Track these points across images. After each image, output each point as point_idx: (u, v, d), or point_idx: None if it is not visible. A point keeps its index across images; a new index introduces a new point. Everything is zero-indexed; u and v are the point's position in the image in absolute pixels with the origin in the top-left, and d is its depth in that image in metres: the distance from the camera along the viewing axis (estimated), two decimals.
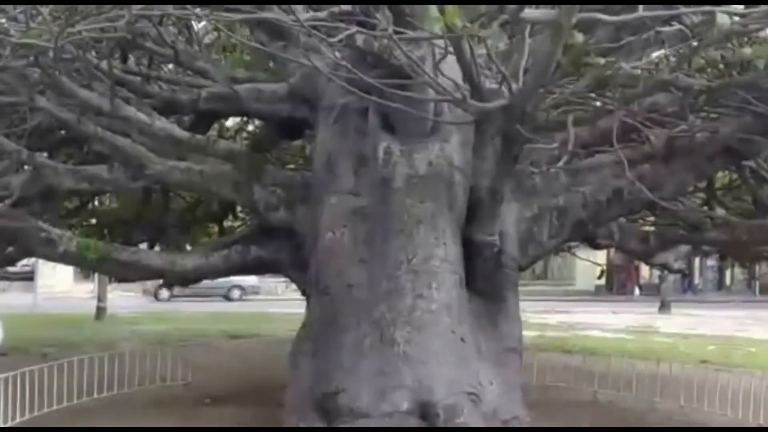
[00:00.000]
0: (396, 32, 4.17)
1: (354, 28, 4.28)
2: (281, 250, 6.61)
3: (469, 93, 3.82)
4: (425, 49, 4.81)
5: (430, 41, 4.69)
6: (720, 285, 37.51)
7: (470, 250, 5.41)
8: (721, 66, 5.40)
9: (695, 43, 4.05)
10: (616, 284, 35.97)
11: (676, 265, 10.95)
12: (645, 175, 5.82)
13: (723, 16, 2.88)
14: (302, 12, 5.16)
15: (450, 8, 3.50)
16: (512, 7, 2.71)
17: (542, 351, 11.32)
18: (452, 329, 5.05)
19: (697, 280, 36.27)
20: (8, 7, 5.48)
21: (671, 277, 26.94)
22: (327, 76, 6.07)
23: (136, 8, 4.70)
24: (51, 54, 4.51)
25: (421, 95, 4.75)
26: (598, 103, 5.04)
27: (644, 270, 35.11)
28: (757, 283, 34.59)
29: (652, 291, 32.66)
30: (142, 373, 8.79)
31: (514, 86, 3.57)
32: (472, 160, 5.73)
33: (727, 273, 37.35)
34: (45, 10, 4.84)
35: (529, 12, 2.87)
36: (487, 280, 5.50)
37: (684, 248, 8.90)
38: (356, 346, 5.02)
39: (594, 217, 6.14)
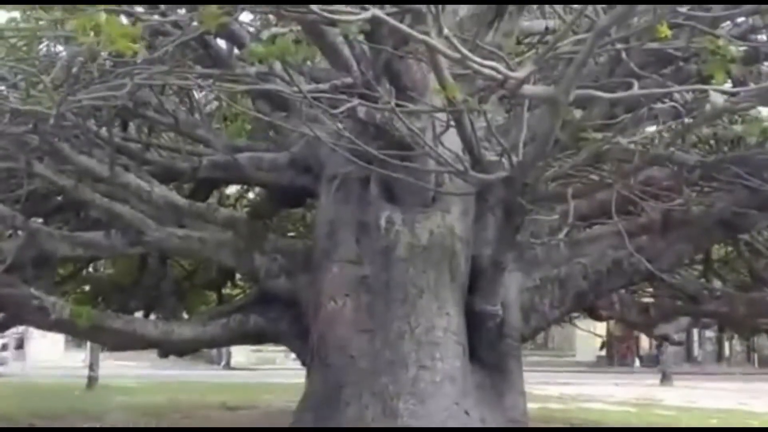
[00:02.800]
0: (397, 105, 4.22)
1: (356, 101, 4.30)
2: (281, 319, 6.53)
3: (470, 164, 3.83)
4: (425, 121, 4.87)
5: (431, 113, 4.75)
6: (719, 356, 37.33)
7: (473, 321, 5.36)
8: (713, 142, 5.49)
9: (688, 120, 4.08)
10: (617, 355, 35.76)
11: (677, 337, 10.87)
12: (643, 246, 5.82)
13: (716, 95, 2.90)
14: (304, 84, 5.23)
15: (451, 83, 3.53)
16: (512, 83, 2.71)
17: (545, 423, 11.07)
18: (456, 401, 4.95)
19: (696, 351, 36.02)
20: (8, 74, 5.52)
21: (671, 349, 26.72)
22: (329, 146, 6.15)
23: (138, 77, 4.74)
24: (51, 121, 4.52)
25: (423, 166, 4.77)
26: (595, 177, 5.07)
27: (644, 341, 34.96)
28: (756, 355, 34.41)
29: (652, 362, 32.53)
30: None
31: (514, 159, 3.58)
32: (473, 230, 5.73)
33: (726, 344, 37.19)
34: (46, 78, 4.87)
35: (528, 88, 2.89)
36: (490, 351, 5.42)
37: (684, 320, 8.86)
38: (358, 419, 4.91)
39: (594, 287, 6.10)
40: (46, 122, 5.13)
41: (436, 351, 4.99)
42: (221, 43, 7.08)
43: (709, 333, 32.79)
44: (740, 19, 5.23)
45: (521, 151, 3.61)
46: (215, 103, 10.29)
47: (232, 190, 11.76)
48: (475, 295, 5.42)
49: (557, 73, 3.29)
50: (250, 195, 11.40)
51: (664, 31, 2.82)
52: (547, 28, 7.72)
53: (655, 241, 5.93)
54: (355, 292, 5.39)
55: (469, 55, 2.55)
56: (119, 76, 4.71)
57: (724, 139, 5.20)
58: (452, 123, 4.33)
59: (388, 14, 3.02)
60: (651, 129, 5.69)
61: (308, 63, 6.28)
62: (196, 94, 9.54)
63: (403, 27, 2.87)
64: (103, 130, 6.22)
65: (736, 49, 3.30)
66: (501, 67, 2.66)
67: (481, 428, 5.01)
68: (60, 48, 5.79)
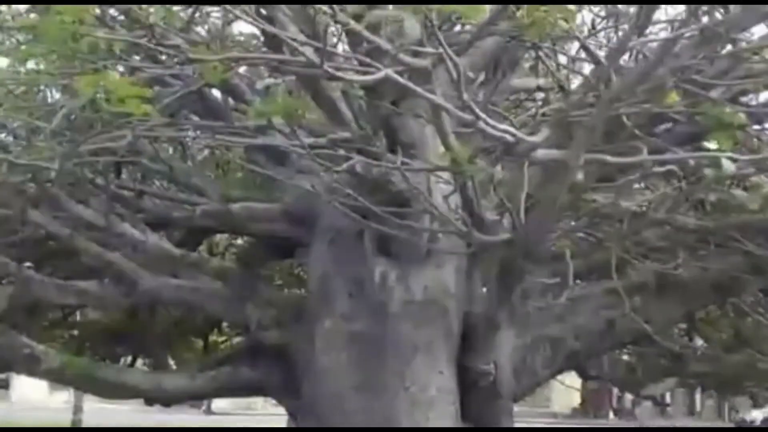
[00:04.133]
0: (396, 164, 4.24)
1: (357, 156, 4.33)
2: (272, 372, 6.42)
3: (470, 224, 3.84)
4: (421, 177, 4.89)
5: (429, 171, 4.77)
6: (691, 411, 37.44)
7: (465, 379, 5.30)
8: (711, 206, 5.54)
9: (691, 184, 4.13)
10: (592, 407, 35.86)
11: (660, 398, 10.86)
12: (636, 307, 5.81)
13: (727, 162, 2.94)
14: (304, 138, 5.27)
15: (455, 144, 3.57)
16: (524, 147, 2.74)
17: None
18: None
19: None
20: (7, 122, 5.54)
21: (645, 403, 26.72)
22: (324, 199, 6.17)
23: (139, 128, 4.76)
24: (53, 174, 4.53)
25: (419, 223, 4.78)
26: (590, 238, 5.09)
27: (617, 393, 35.07)
28: (727, 410, 34.47)
29: (626, 415, 32.77)
30: None
31: (517, 221, 3.59)
32: (465, 287, 5.72)
33: (698, 399, 37.29)
34: (46, 126, 4.89)
35: (541, 152, 2.92)
36: (482, 411, 5.36)
37: (671, 380, 8.84)
38: None
39: (587, 348, 6.08)
40: (44, 172, 5.14)
41: (429, 411, 4.93)
42: (216, 93, 7.15)
43: (679, 388, 32.86)
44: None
45: (522, 212, 3.62)
46: (206, 151, 10.35)
47: (219, 238, 11.72)
48: (467, 354, 5.38)
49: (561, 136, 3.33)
50: (239, 241, 11.35)
51: (673, 98, 2.87)
52: (538, 87, 7.85)
53: (647, 303, 5.93)
54: (349, 348, 5.34)
55: (483, 116, 2.58)
56: (120, 127, 4.74)
57: (721, 203, 5.25)
58: (451, 181, 4.39)
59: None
60: (646, 192, 5.76)
61: (305, 116, 6.33)
62: (189, 143, 9.59)
63: (416, 88, 2.90)
64: (98, 179, 6.21)
65: (741, 117, 3.36)
66: (518, 132, 2.68)
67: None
68: (59, 96, 5.81)
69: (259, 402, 30.23)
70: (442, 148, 5.58)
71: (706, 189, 4.65)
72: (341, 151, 5.17)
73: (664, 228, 5.15)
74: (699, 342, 8.61)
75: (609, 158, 2.93)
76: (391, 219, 4.59)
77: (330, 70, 2.86)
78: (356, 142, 5.22)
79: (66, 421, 19.76)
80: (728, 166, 3.02)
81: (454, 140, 3.76)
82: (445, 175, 4.53)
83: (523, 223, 3.64)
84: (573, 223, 4.17)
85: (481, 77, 6.16)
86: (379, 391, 5.04)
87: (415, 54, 3.52)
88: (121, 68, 4.98)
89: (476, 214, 3.86)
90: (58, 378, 6.74)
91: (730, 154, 3.33)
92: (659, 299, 5.89)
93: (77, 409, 20.06)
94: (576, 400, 35.97)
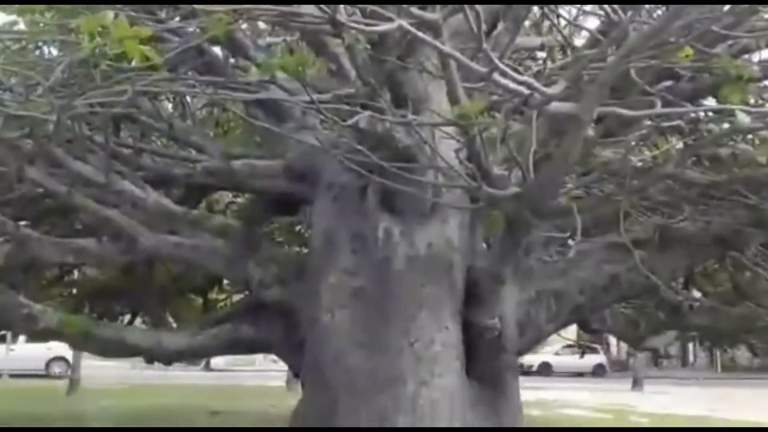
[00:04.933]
0: (403, 116, 4.18)
1: (362, 111, 4.26)
2: (273, 329, 6.43)
3: (479, 178, 3.79)
4: (427, 132, 4.82)
5: (433, 126, 4.71)
6: (683, 362, 38.01)
7: (470, 334, 5.30)
8: (715, 161, 5.50)
9: (701, 139, 4.08)
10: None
11: (663, 350, 11.00)
12: (640, 262, 5.81)
13: (742, 114, 2.89)
14: (308, 94, 5.19)
15: (464, 98, 3.51)
16: (537, 100, 2.68)
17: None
18: (455, 419, 4.88)
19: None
20: (4, 78, 5.42)
21: (641, 355, 27.07)
22: (326, 154, 6.10)
23: (139, 83, 4.66)
24: (51, 128, 4.44)
25: (427, 179, 4.73)
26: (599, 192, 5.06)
27: (612, 347, 35.55)
28: (719, 361, 34.99)
29: (621, 367, 33.26)
30: None
31: (526, 175, 3.55)
32: (469, 242, 5.69)
33: (690, 350, 37.82)
34: (45, 82, 4.78)
35: (554, 105, 2.86)
36: (487, 365, 5.37)
37: (671, 333, 8.93)
38: None
39: (591, 302, 6.08)
40: (41, 127, 5.05)
41: (435, 366, 4.93)
42: (217, 50, 7.02)
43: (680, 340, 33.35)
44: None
45: (531, 166, 3.57)
46: (208, 110, 10.24)
47: (220, 196, 11.66)
48: (472, 309, 5.36)
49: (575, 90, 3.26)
50: (240, 200, 11.30)
51: (688, 51, 2.81)
52: (542, 45, 7.74)
53: (651, 257, 5.93)
54: (353, 304, 5.31)
55: (502, 66, 2.51)
56: (120, 82, 4.64)
57: (728, 158, 5.22)
58: (456, 137, 4.33)
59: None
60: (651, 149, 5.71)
61: (309, 71, 6.23)
62: (190, 100, 9.48)
63: (429, 39, 2.82)
64: (97, 136, 6.12)
65: (753, 70, 3.30)
66: (536, 83, 2.62)
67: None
68: (58, 52, 5.69)
69: (258, 358, 30.50)
70: (447, 104, 5.54)
71: (713, 143, 4.61)
72: (345, 107, 5.09)
73: (668, 183, 5.11)
74: (697, 295, 8.65)
75: (623, 111, 2.87)
76: (396, 174, 4.53)
77: (342, 19, 2.78)
78: (360, 98, 5.13)
79: (63, 379, 19.89)
80: (743, 119, 2.97)
81: (462, 93, 3.70)
82: (450, 130, 4.47)
83: (532, 177, 3.59)
84: (581, 178, 4.10)
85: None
86: (383, 348, 5.03)
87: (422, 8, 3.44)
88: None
89: (484, 168, 3.81)
90: (56, 337, 6.75)
91: (744, 107, 3.28)
92: (662, 253, 5.87)
93: (74, 367, 20.15)
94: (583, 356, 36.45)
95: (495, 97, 3.99)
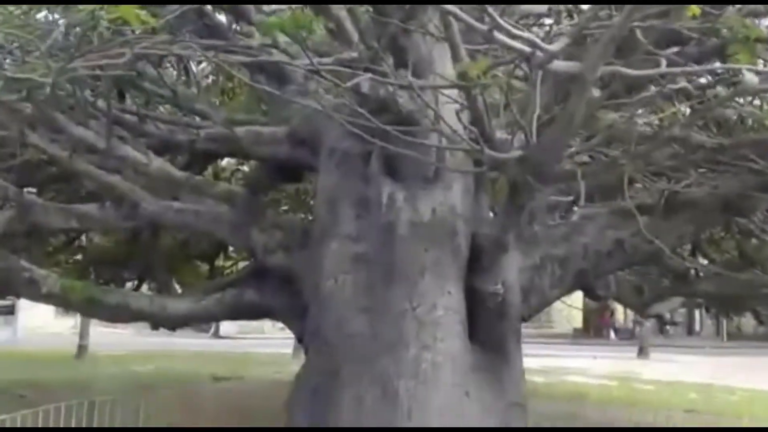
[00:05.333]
0: (408, 81, 4.11)
1: (364, 75, 4.20)
2: (277, 295, 6.44)
3: (481, 141, 3.74)
4: (429, 97, 4.76)
5: (436, 89, 4.65)
6: (690, 330, 38.02)
7: (472, 300, 5.28)
8: (722, 125, 5.42)
9: (699, 103, 4.01)
10: (592, 328, 36.39)
11: (669, 317, 11.00)
12: (645, 227, 5.76)
13: (750, 74, 2.82)
14: (309, 57, 5.12)
15: (466, 58, 3.45)
16: (540, 58, 2.63)
17: (532, 397, 11.15)
18: (457, 383, 4.89)
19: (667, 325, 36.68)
20: (4, 41, 5.37)
21: (647, 323, 27.14)
22: (329, 120, 6.04)
23: (138, 47, 4.61)
24: (47, 90, 4.39)
25: (431, 142, 4.68)
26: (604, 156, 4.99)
27: (619, 314, 35.57)
28: (725, 329, 34.99)
29: (627, 335, 33.27)
30: (123, 422, 8.45)
31: (530, 138, 3.49)
32: (473, 208, 5.66)
33: (696, 319, 37.82)
34: (42, 45, 4.73)
35: (557, 64, 2.80)
36: (490, 331, 5.35)
37: (676, 300, 8.92)
38: (357, 400, 4.83)
39: (595, 268, 6.05)
40: (40, 91, 5.00)
41: (437, 331, 4.92)
42: (220, 16, 6.95)
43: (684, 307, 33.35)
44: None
45: (534, 129, 3.52)
46: (212, 77, 10.19)
47: (226, 163, 11.64)
48: (475, 274, 5.35)
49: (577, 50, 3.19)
50: (245, 168, 11.28)
51: (695, 10, 2.74)
52: (549, 10, 7.61)
53: (657, 223, 5.88)
54: (355, 270, 5.30)
55: (503, 23, 2.45)
56: (118, 45, 4.58)
57: (736, 121, 5.14)
58: (459, 99, 4.27)
59: None
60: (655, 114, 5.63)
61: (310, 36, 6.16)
62: (194, 67, 9.42)
63: None
64: (100, 101, 6.08)
65: (762, 30, 3.23)
66: (537, 40, 2.56)
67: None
68: (57, 15, 5.63)
69: (267, 326, 30.66)
70: (451, 69, 5.47)
71: (720, 106, 4.53)
72: (347, 71, 5.02)
73: (674, 147, 5.04)
74: (704, 263, 8.63)
75: (628, 71, 2.81)
76: (399, 138, 4.47)
77: None
78: (363, 62, 5.06)
79: (72, 345, 20.06)
80: (751, 79, 2.91)
81: (465, 55, 3.63)
82: (454, 95, 4.42)
83: (536, 140, 3.54)
84: (585, 142, 4.04)
85: None
86: (386, 313, 5.02)
87: None
88: None
89: (487, 131, 3.76)
90: (60, 302, 6.77)
91: (752, 67, 3.21)
92: (668, 219, 5.83)
93: (83, 334, 20.32)
94: (577, 321, 36.55)
95: (499, 60, 3.92)
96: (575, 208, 4.60)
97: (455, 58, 3.54)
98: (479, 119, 3.72)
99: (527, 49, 2.65)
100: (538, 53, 2.63)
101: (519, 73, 4.82)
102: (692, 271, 7.99)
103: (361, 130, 4.63)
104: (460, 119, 4.01)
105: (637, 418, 8.90)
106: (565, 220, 5.61)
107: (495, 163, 3.97)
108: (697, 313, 34.87)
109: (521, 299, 5.59)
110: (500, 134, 3.98)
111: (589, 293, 7.79)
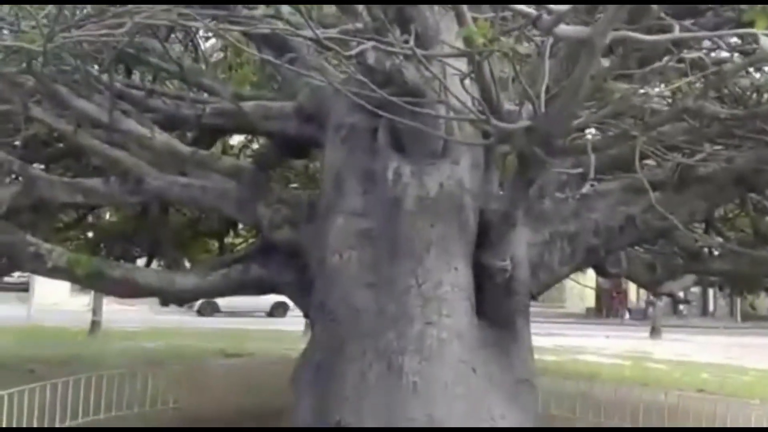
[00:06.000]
0: (412, 50, 3.99)
1: (369, 44, 4.08)
2: (284, 270, 6.39)
3: (489, 112, 3.62)
4: (437, 68, 4.65)
5: (442, 60, 4.53)
6: (704, 311, 37.77)
7: (480, 276, 5.20)
8: (737, 97, 5.26)
9: (723, 70, 3.86)
10: (605, 307, 36.22)
11: (683, 295, 10.89)
12: (657, 203, 5.64)
13: (765, 39, 2.68)
14: (314, 28, 5.02)
15: (472, 26, 3.32)
16: (546, 21, 2.51)
17: (542, 376, 11.11)
18: (463, 359, 4.81)
19: (681, 305, 36.43)
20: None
21: (660, 303, 26.99)
22: (335, 95, 5.94)
23: (138, 16, 4.51)
24: (40, 59, 4.30)
25: (438, 114, 4.57)
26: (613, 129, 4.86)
27: (632, 294, 35.37)
28: (739, 310, 34.76)
29: (639, 315, 33.13)
30: (130, 395, 8.47)
31: (538, 108, 3.38)
32: (481, 183, 5.56)
33: (711, 299, 37.57)
34: (40, 12, 4.65)
35: (564, 28, 2.68)
36: (497, 307, 5.27)
37: (689, 278, 8.79)
38: (362, 376, 4.78)
39: (606, 244, 5.93)
40: (39, 61, 4.92)
41: (443, 307, 4.84)
42: None
43: (694, 288, 33.12)
44: None
45: (543, 100, 3.40)
46: (220, 54, 10.09)
47: (236, 140, 11.59)
48: (483, 250, 5.25)
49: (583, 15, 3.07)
50: (254, 145, 11.22)
51: None
52: None
53: (669, 198, 5.76)
54: (361, 245, 5.22)
55: None
56: (117, 15, 4.50)
57: (746, 92, 4.98)
58: (465, 70, 4.15)
59: None
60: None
61: (314, 7, 6.04)
62: (201, 44, 9.33)
63: None
64: (105, 76, 6.01)
65: None
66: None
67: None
68: None
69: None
70: (460, 42, 5.34)
71: (735, 75, 4.39)
72: (353, 43, 4.91)
73: (687, 121, 4.90)
74: (718, 240, 8.49)
75: (640, 36, 2.68)
76: (406, 111, 4.36)
77: None
78: (369, 33, 4.95)
79: (86, 322, 20.18)
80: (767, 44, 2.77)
81: (470, 21, 3.51)
82: (462, 67, 4.30)
83: (544, 110, 3.43)
84: (595, 113, 3.92)
85: None
86: (391, 288, 4.95)
87: None
88: None
89: (494, 102, 3.64)
90: (65, 276, 6.74)
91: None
92: (680, 194, 5.70)
93: (96, 310, 20.43)
94: (590, 300, 36.39)
95: (507, 26, 3.79)
96: (586, 184, 4.47)
97: (461, 24, 3.42)
98: (486, 89, 3.60)
99: (534, 12, 2.54)
100: (546, 16, 2.52)
101: (531, 47, 4.70)
102: (705, 249, 7.86)
103: (367, 103, 4.54)
104: (467, 91, 3.90)
105: (648, 397, 8.82)
106: (579, 193, 5.48)
107: (502, 135, 3.86)
108: (711, 292, 34.65)
109: (530, 275, 5.49)
110: (509, 106, 3.86)
111: (600, 270, 7.68)
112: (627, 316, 35.22)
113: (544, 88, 3.53)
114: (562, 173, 5.72)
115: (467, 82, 4.16)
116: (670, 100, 4.56)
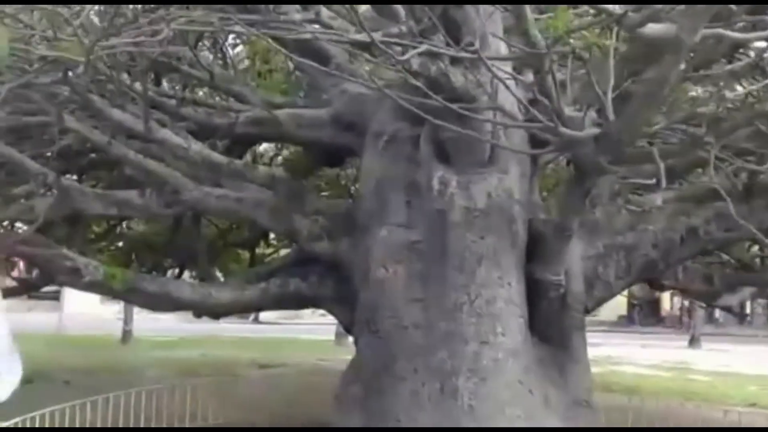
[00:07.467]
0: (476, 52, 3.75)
1: (422, 47, 3.85)
2: (323, 284, 6.17)
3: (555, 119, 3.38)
4: (485, 75, 4.41)
5: (492, 64, 4.30)
6: (741, 319, 36.94)
7: (533, 291, 4.95)
8: None
9: None
10: (639, 316, 35.62)
11: (738, 308, 10.52)
12: (722, 212, 5.32)
13: None
14: (354, 33, 4.81)
15: (533, 26, 3.09)
16: (632, 19, 2.27)
17: None
18: (519, 379, 4.58)
19: (717, 313, 35.61)
20: (33, 20, 5.14)
21: (699, 312, 26.37)
22: (374, 102, 5.73)
23: (174, 23, 4.33)
24: (81, 69, 4.14)
25: (492, 120, 4.33)
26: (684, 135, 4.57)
27: (665, 302, 34.69)
28: None
29: (674, 323, 32.46)
30: (169, 410, 8.27)
31: (608, 114, 3.13)
32: (530, 193, 5.32)
33: (748, 307, 36.75)
34: (76, 21, 4.48)
35: (651, 27, 2.43)
36: (552, 324, 5.02)
37: (747, 290, 8.43)
38: (414, 396, 4.56)
39: (665, 257, 5.62)
40: (75, 72, 4.77)
41: (497, 324, 4.61)
42: None
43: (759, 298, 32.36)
44: None
45: (610, 106, 3.15)
46: (248, 60, 9.94)
47: (264, 148, 11.43)
48: (535, 264, 5.00)
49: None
50: (285, 153, 11.05)
51: None
52: None
53: (736, 208, 5.44)
54: (407, 259, 5.00)
55: None
56: (154, 22, 4.33)
57: None
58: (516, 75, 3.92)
59: None
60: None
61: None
62: (230, 51, 9.19)
63: None
64: (137, 84, 5.86)
65: None
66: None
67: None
68: None
69: (306, 312, 30.43)
70: (504, 46, 5.09)
71: None
72: (396, 48, 4.69)
73: (756, 126, 4.60)
74: None
75: (732, 34, 2.43)
76: (453, 117, 4.13)
77: None
78: (412, 37, 4.72)
79: (116, 331, 20.16)
80: None
81: (533, 25, 3.27)
82: (509, 73, 4.05)
83: (612, 117, 3.18)
84: (668, 119, 3.66)
85: None
86: (441, 305, 4.72)
87: None
88: None
89: (557, 109, 3.40)
90: (101, 290, 6.62)
91: None
92: (748, 204, 5.38)
93: (127, 320, 20.42)
94: (622, 308, 35.73)
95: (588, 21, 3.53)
96: (658, 195, 4.19)
97: (522, 28, 3.19)
98: (549, 95, 3.36)
99: (618, 9, 2.30)
100: (631, 14, 2.28)
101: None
102: (758, 261, 7.53)
103: (410, 113, 4.31)
104: (516, 97, 3.65)
105: (705, 414, 8.43)
106: (628, 207, 5.21)
107: (566, 143, 3.61)
108: (748, 301, 33.88)
109: (584, 290, 5.22)
110: (569, 111, 3.61)
111: (652, 283, 7.37)
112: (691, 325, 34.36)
113: (610, 91, 3.29)
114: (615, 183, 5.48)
115: (513, 87, 3.93)
116: (740, 104, 4.27)
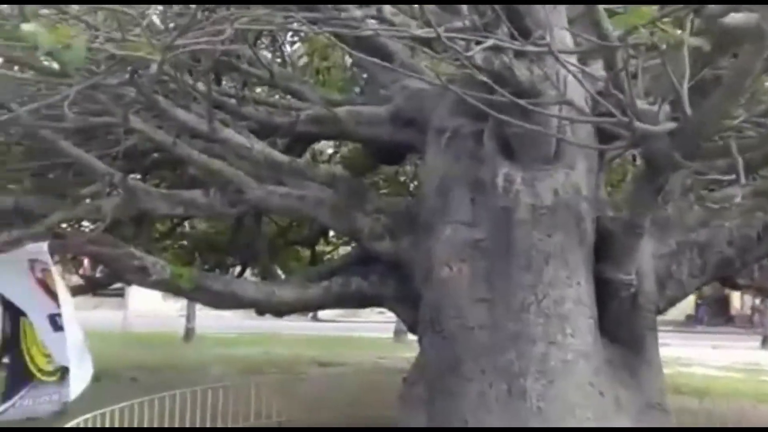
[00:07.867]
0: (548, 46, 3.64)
1: (489, 42, 3.77)
2: (385, 282, 6.13)
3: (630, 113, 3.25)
4: (551, 68, 4.29)
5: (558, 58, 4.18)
6: None
7: (602, 291, 4.81)
8: None
9: None
10: (707, 315, 34.61)
11: None
12: None
13: None
14: (416, 28, 4.75)
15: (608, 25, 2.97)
16: (715, 9, 2.15)
17: None
18: (590, 381, 4.45)
19: None
20: (97, 21, 5.21)
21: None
22: (435, 98, 5.65)
23: (238, 22, 4.34)
24: (153, 69, 4.18)
25: (560, 115, 4.21)
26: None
27: (735, 302, 33.62)
28: None
29: (744, 323, 31.40)
30: (235, 408, 8.34)
31: (685, 108, 2.99)
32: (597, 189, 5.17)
33: None
34: (144, 20, 4.53)
35: (734, 17, 2.31)
36: (623, 325, 4.87)
37: None
38: (481, 397, 4.48)
39: (742, 254, 5.40)
40: (142, 73, 4.82)
41: (566, 325, 4.49)
42: None
43: None
44: None
45: (687, 99, 3.02)
46: (304, 59, 9.98)
47: (323, 146, 11.45)
48: (604, 263, 4.86)
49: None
50: (344, 150, 11.05)
51: None
52: None
53: None
54: (471, 258, 4.91)
55: None
56: (217, 21, 4.34)
57: None
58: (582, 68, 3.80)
59: None
60: None
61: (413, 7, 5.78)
62: (288, 48, 9.21)
63: None
64: (199, 84, 5.90)
65: None
66: None
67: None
68: None
69: (364, 309, 30.46)
70: (569, 38, 4.95)
71: None
72: (460, 43, 4.61)
73: None
74: None
75: None
76: (519, 113, 4.02)
77: None
78: (475, 31, 4.63)
79: (179, 327, 20.52)
80: None
81: (604, 17, 3.16)
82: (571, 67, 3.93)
83: (689, 111, 3.04)
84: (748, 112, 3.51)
85: None
86: (507, 305, 4.62)
87: None
88: None
89: (630, 103, 3.28)
90: (168, 288, 6.69)
91: None
92: None
93: (190, 317, 20.76)
94: (690, 307, 34.82)
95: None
96: (737, 192, 4.02)
97: (593, 20, 3.08)
98: (621, 87, 3.23)
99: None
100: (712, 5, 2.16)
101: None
102: None
103: (473, 108, 4.22)
104: (590, 93, 3.53)
105: None
106: (733, 200, 5.02)
107: (639, 138, 3.47)
108: None
109: (656, 289, 5.06)
110: (642, 104, 3.47)
111: (726, 282, 7.11)
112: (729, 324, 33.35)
113: (686, 84, 3.15)
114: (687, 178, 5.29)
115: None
116: None
